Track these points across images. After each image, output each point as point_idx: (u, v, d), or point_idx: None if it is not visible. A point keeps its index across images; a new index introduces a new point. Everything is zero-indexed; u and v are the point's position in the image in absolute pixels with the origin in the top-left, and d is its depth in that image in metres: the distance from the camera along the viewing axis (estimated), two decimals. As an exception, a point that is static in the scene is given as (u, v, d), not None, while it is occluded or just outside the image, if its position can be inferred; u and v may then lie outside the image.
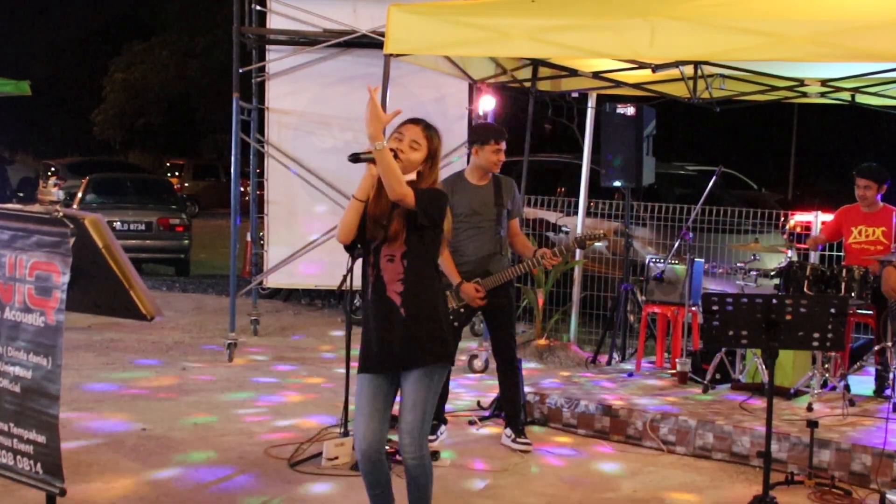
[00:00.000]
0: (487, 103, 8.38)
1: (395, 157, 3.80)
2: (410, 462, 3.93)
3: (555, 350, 8.63)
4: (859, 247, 7.23)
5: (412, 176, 3.90)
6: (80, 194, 14.83)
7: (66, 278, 3.06)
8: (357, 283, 5.99)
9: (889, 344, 6.41)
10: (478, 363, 8.13)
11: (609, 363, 8.14)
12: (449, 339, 4.01)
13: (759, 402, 6.25)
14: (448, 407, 6.21)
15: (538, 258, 5.79)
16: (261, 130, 9.26)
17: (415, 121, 4.00)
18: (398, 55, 6.53)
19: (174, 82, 32.78)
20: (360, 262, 4.14)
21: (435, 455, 5.56)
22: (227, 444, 5.78)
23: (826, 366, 6.65)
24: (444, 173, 7.59)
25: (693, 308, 7.41)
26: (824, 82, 7.69)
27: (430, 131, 3.97)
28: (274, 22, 9.05)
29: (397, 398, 4.04)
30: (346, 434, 5.68)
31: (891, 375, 6.32)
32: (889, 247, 6.97)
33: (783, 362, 6.63)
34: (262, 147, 9.25)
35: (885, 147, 19.28)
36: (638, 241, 9.54)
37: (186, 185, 30.79)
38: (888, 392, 6.39)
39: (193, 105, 33.95)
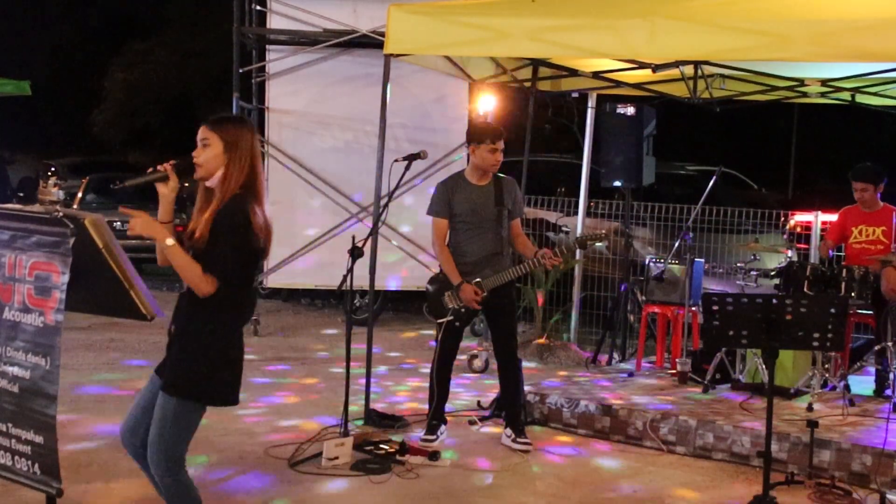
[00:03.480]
0: (487, 103, 8.38)
1: (187, 163, 3.74)
2: (156, 478, 3.67)
3: (555, 350, 8.63)
4: (860, 246, 7.22)
5: (220, 174, 3.70)
6: (80, 194, 14.83)
7: (65, 278, 3.05)
8: (357, 283, 6.03)
9: (889, 344, 6.41)
10: (478, 363, 8.13)
11: (609, 363, 8.14)
12: (200, 380, 3.66)
13: (759, 402, 6.25)
14: (448, 407, 6.20)
15: (539, 258, 5.79)
16: (261, 130, 9.27)
17: (204, 122, 3.83)
18: (398, 55, 6.53)
19: (174, 82, 32.72)
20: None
21: (435, 455, 5.56)
22: (228, 444, 5.78)
23: (826, 366, 6.65)
24: (444, 173, 7.64)
25: (693, 308, 7.40)
26: (824, 82, 7.69)
27: (217, 125, 3.75)
28: (274, 22, 9.05)
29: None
30: (346, 434, 5.69)
31: (891, 375, 6.32)
32: (889, 246, 6.97)
33: (783, 362, 6.63)
34: (263, 147, 9.25)
35: (885, 147, 19.26)
36: (638, 241, 9.53)
37: (186, 185, 30.66)
38: (888, 392, 6.39)
39: (193, 105, 33.89)
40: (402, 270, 9.36)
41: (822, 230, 8.76)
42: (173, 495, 3.66)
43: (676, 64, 6.76)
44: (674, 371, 7.21)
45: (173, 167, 3.73)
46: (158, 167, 3.74)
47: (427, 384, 6.09)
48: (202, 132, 3.75)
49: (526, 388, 6.46)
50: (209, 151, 3.71)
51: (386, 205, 6.45)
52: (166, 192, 3.76)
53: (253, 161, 3.73)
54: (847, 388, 6.43)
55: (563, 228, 10.33)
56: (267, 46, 9.23)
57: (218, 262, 3.52)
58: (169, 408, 3.59)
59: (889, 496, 4.94)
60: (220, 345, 3.72)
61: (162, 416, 3.59)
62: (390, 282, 9.36)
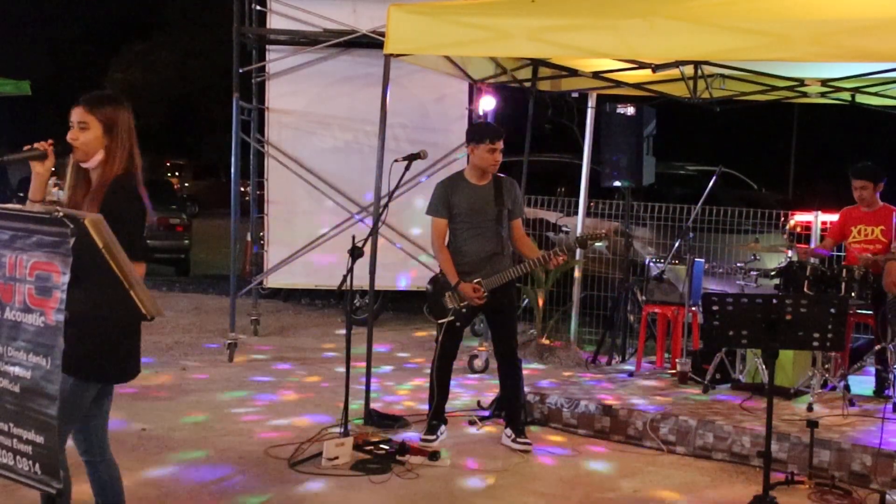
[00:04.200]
0: (487, 103, 8.37)
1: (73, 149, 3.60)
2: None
3: (555, 350, 8.63)
4: (859, 246, 7.22)
5: (100, 157, 3.64)
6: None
7: (66, 278, 3.05)
8: (357, 282, 6.03)
9: (889, 344, 6.41)
10: (478, 363, 8.13)
11: (609, 363, 8.14)
12: (90, 359, 3.59)
13: (759, 402, 6.25)
14: (448, 407, 6.21)
15: (541, 259, 5.78)
16: (261, 130, 9.26)
17: (77, 102, 3.70)
18: (398, 55, 6.53)
19: (174, 82, 32.76)
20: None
21: (435, 455, 5.56)
22: (227, 443, 5.78)
23: (826, 366, 6.65)
24: (444, 173, 7.64)
25: (693, 308, 7.40)
26: (824, 82, 7.69)
27: (93, 104, 3.65)
28: (274, 22, 9.05)
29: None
30: (346, 434, 5.69)
31: (891, 375, 6.33)
32: (887, 245, 6.97)
33: (783, 362, 6.63)
34: (262, 147, 9.25)
35: (885, 147, 19.27)
36: (638, 241, 9.54)
37: (186, 185, 30.77)
38: (888, 392, 6.40)
39: (194, 105, 33.93)
40: (401, 271, 9.35)
41: (823, 230, 8.76)
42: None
43: (676, 64, 6.76)
44: (674, 371, 7.21)
45: (52, 146, 3.61)
46: (36, 145, 3.61)
47: (427, 384, 6.09)
48: (79, 114, 3.66)
49: (526, 388, 6.47)
50: (89, 134, 3.64)
51: (386, 205, 6.45)
52: (41, 170, 3.63)
53: (131, 141, 3.69)
54: (847, 388, 6.43)
55: (563, 228, 10.32)
56: (267, 46, 9.22)
57: (132, 247, 3.35)
58: (65, 386, 3.53)
59: (889, 496, 4.94)
60: (105, 326, 3.63)
61: (65, 395, 3.54)
62: (397, 281, 9.36)
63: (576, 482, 5.36)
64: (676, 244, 7.82)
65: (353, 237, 6.04)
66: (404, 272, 9.33)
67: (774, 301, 4.76)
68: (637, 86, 8.41)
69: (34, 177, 3.67)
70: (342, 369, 6.02)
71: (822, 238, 8.01)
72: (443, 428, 6.01)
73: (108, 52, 34.36)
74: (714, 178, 7.92)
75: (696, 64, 7.02)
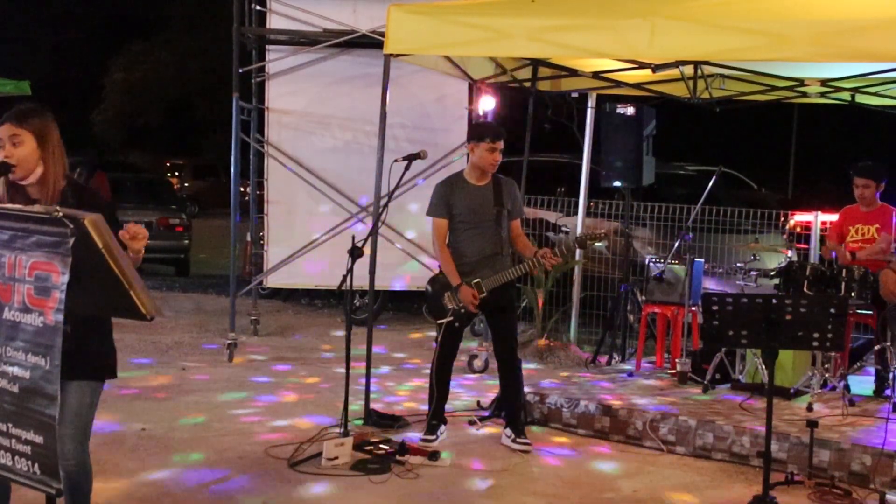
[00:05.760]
0: (487, 103, 8.38)
1: (10, 167, 3.53)
2: (73, 469, 3.61)
3: (555, 350, 8.62)
4: (857, 245, 7.23)
5: (41, 170, 3.58)
6: (80, 194, 14.82)
7: (65, 278, 3.05)
8: (357, 282, 6.03)
9: (889, 344, 6.41)
10: (478, 363, 8.13)
11: (609, 363, 8.14)
12: (109, 359, 3.77)
13: (759, 402, 6.25)
14: (448, 407, 6.21)
15: (539, 258, 5.78)
16: (261, 130, 9.26)
17: (2, 120, 3.61)
18: (398, 55, 6.53)
19: (174, 82, 32.77)
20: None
21: (435, 455, 5.56)
22: (227, 444, 5.78)
23: (826, 366, 6.64)
24: (444, 173, 7.64)
25: (693, 308, 7.40)
26: (824, 82, 7.69)
27: (21, 119, 3.59)
28: (274, 22, 9.05)
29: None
30: (346, 434, 5.69)
31: (891, 375, 6.32)
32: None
33: (783, 362, 6.63)
34: (262, 147, 9.25)
35: (885, 147, 19.27)
36: (638, 241, 9.53)
37: (186, 185, 30.78)
38: (888, 392, 6.39)
39: (193, 105, 33.94)
40: (405, 273, 9.35)
41: (822, 230, 8.77)
42: (87, 476, 3.71)
43: (676, 64, 6.76)
44: (674, 371, 7.21)
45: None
46: None
47: (427, 384, 6.09)
48: (9, 130, 3.57)
49: (526, 388, 6.46)
50: (24, 149, 3.57)
51: (385, 205, 6.45)
52: None
53: (63, 149, 3.67)
54: (847, 388, 6.43)
55: (563, 228, 10.32)
56: (267, 46, 9.22)
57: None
58: (95, 393, 3.71)
59: (889, 496, 4.94)
60: (107, 322, 3.78)
61: (89, 402, 3.69)
62: (394, 283, 9.36)
63: (576, 482, 5.36)
64: (676, 244, 7.81)
65: (353, 237, 6.04)
66: (406, 272, 9.32)
67: (774, 301, 4.76)
68: (637, 86, 8.41)
69: None
70: (342, 369, 6.02)
71: (822, 240, 8.01)
72: (443, 428, 6.00)
73: (108, 52, 34.35)
74: (714, 178, 7.91)
75: (696, 64, 7.02)
